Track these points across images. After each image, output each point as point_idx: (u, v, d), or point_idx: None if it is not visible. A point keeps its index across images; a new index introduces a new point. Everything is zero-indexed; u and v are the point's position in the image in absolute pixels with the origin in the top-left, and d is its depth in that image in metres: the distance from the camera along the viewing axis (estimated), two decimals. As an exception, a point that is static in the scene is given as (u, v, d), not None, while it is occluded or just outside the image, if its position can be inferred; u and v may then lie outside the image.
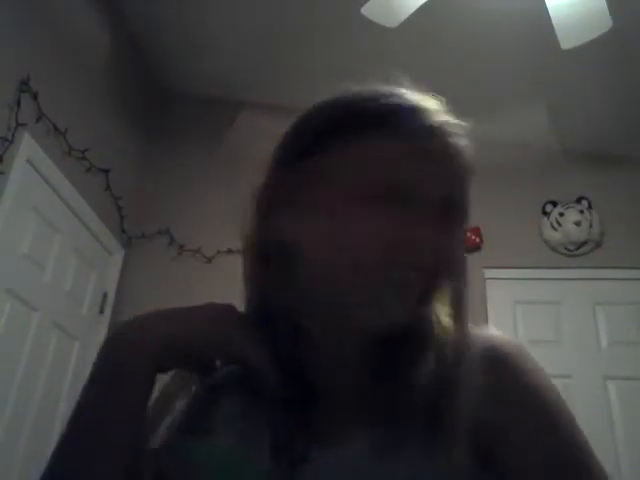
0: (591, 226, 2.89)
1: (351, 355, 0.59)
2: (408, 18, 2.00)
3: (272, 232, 0.58)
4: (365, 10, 2.01)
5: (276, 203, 0.59)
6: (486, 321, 2.63)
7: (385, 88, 0.58)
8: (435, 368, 0.55)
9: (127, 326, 0.56)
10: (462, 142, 0.56)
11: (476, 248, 2.81)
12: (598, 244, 2.91)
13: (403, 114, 0.55)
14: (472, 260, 0.60)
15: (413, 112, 0.55)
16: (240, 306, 0.60)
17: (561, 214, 2.93)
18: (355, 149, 0.55)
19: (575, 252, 2.91)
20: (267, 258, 0.59)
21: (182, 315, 0.56)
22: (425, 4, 1.96)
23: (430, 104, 0.57)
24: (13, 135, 1.99)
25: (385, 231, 0.53)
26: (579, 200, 2.96)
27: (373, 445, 0.54)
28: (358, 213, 0.53)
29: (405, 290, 0.53)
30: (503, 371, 0.55)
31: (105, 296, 2.75)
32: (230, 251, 2.87)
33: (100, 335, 2.70)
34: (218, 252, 2.90)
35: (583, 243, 2.90)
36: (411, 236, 0.52)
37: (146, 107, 3.15)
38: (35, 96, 2.11)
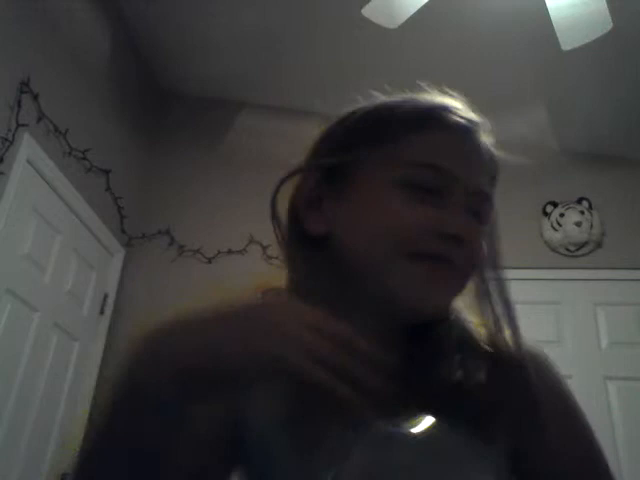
0: (592, 227, 2.89)
1: (385, 343, 0.58)
2: (408, 19, 2.00)
3: (312, 223, 0.60)
4: (366, 11, 2.01)
5: (317, 195, 0.61)
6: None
7: (421, 94, 0.61)
8: (474, 364, 0.56)
9: (146, 348, 0.44)
10: (493, 141, 0.61)
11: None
12: (599, 245, 2.91)
13: (450, 111, 0.59)
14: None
15: (458, 111, 0.59)
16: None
17: (562, 215, 2.93)
18: (402, 142, 0.58)
19: (575, 253, 2.91)
20: (304, 248, 0.61)
21: (213, 332, 0.43)
22: (425, 5, 1.96)
23: (464, 106, 0.61)
24: (14, 136, 1.99)
25: (434, 214, 0.55)
26: (580, 201, 2.96)
27: (406, 441, 0.55)
28: (405, 197, 0.56)
29: (451, 273, 0.56)
30: (542, 377, 0.58)
31: (105, 297, 2.75)
32: (230, 251, 2.88)
33: (100, 336, 2.70)
34: (218, 252, 2.90)
35: (584, 244, 2.90)
36: (457, 221, 0.55)
37: (146, 107, 3.16)
38: (36, 97, 2.11)
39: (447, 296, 0.57)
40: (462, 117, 0.59)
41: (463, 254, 0.56)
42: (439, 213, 0.55)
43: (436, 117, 0.58)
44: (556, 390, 0.59)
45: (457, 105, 0.60)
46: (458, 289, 0.57)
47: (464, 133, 0.58)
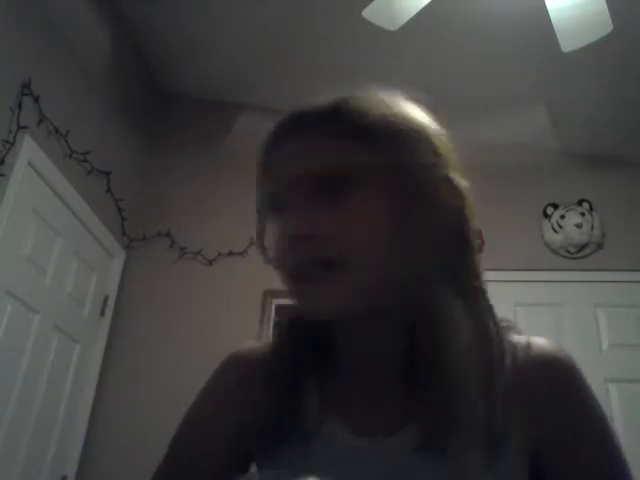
0: (592, 228, 2.89)
1: (377, 340, 0.59)
2: (409, 21, 2.00)
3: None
4: (366, 13, 2.01)
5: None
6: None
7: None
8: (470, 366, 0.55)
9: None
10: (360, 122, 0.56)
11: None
12: (599, 246, 2.91)
13: (272, 130, 0.60)
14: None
15: (277, 125, 0.60)
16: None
17: (562, 216, 2.93)
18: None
19: (576, 254, 2.91)
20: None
21: None
22: (426, 7, 1.96)
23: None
24: (14, 138, 1.99)
25: (285, 224, 0.55)
26: (580, 202, 2.96)
27: (410, 439, 0.54)
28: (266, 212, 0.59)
29: (310, 277, 0.53)
30: (564, 382, 0.58)
31: (106, 298, 2.75)
32: (231, 253, 2.88)
33: (101, 337, 2.70)
34: (219, 254, 2.90)
35: (584, 245, 2.90)
36: (287, 222, 0.54)
37: (146, 109, 3.16)
38: (36, 99, 2.11)
39: (319, 299, 0.53)
40: (275, 130, 0.59)
41: (318, 249, 0.52)
42: (278, 224, 0.57)
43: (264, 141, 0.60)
44: (579, 395, 0.58)
45: (289, 115, 0.60)
46: (332, 287, 0.52)
47: (272, 144, 0.59)
